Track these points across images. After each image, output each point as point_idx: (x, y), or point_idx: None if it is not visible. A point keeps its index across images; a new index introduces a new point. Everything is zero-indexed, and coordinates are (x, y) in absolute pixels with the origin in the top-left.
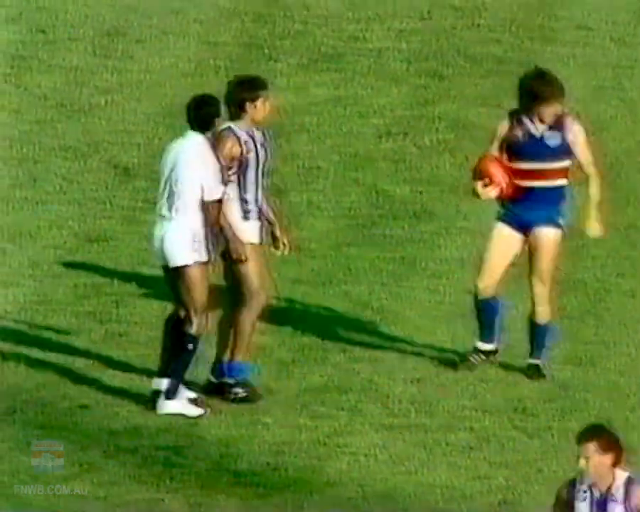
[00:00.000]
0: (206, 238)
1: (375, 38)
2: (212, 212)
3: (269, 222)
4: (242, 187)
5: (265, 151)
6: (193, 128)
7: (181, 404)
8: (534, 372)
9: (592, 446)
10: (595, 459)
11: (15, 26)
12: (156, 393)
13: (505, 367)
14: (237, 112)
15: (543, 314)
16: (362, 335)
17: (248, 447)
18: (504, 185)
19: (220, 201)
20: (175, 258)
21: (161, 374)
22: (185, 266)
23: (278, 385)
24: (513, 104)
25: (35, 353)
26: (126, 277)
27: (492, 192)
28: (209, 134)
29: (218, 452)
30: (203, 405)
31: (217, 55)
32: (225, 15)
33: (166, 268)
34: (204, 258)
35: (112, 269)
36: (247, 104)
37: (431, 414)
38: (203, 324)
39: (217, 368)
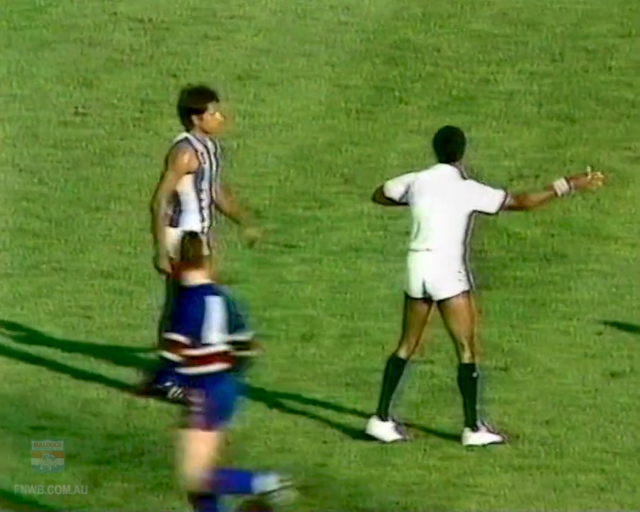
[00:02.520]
0: (466, 268)
1: (507, 81)
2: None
3: (238, 222)
4: (198, 197)
5: (217, 160)
6: (441, 160)
7: (488, 435)
8: None
9: None
10: None
11: (145, 70)
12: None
13: (637, 409)
14: (186, 122)
15: None
16: (492, 376)
17: (377, 487)
18: None
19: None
20: (441, 291)
21: (384, 416)
22: (452, 297)
23: (407, 426)
24: None
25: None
26: (258, 319)
27: None
28: (458, 164)
29: (347, 492)
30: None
31: (348, 97)
32: (357, 58)
33: (426, 300)
34: (468, 287)
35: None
36: (193, 116)
37: (561, 455)
38: (473, 353)
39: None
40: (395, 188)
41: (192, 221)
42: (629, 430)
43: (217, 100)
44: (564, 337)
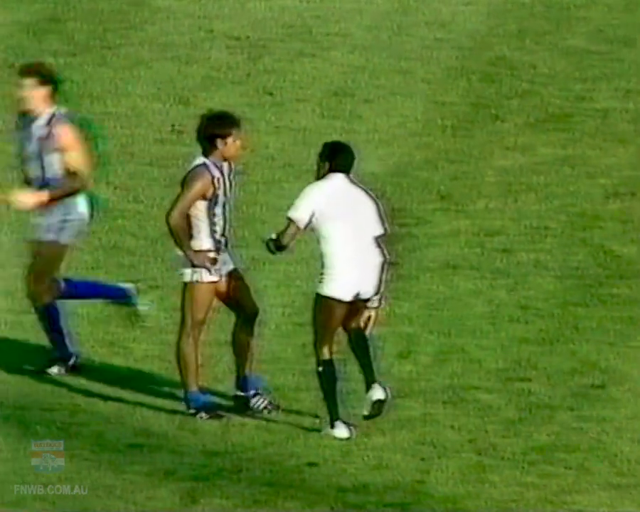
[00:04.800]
0: None
1: (602, 98)
2: None
3: None
4: (211, 222)
5: (231, 184)
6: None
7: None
8: None
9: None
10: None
11: (242, 88)
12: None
13: None
14: (208, 147)
15: None
16: (589, 394)
17: (475, 505)
18: None
19: None
20: (370, 289)
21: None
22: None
23: (505, 443)
24: None
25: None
26: None
27: None
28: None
29: (445, 509)
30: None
31: (444, 114)
32: (452, 74)
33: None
34: None
35: (339, 328)
36: (218, 140)
37: None
38: None
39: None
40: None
41: (204, 246)
42: None
43: (240, 127)
44: None
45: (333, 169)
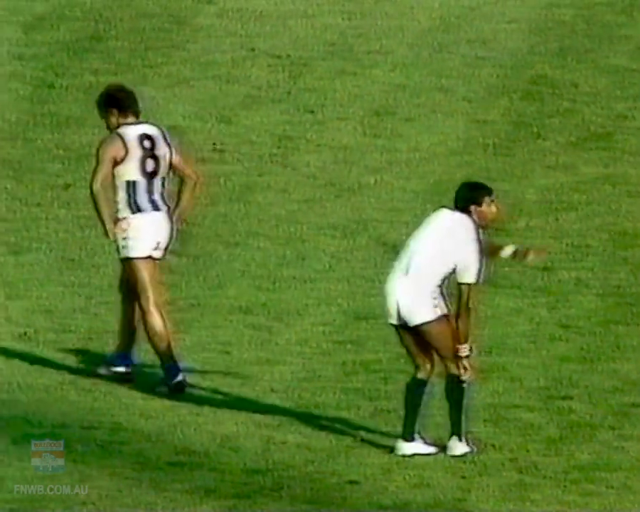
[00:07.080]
0: (442, 292)
1: None
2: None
3: None
4: None
5: None
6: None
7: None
8: None
9: None
10: None
11: (283, 106)
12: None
13: None
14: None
15: None
16: (630, 413)
17: None
18: None
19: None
20: (415, 317)
21: (409, 437)
22: (427, 322)
23: (546, 462)
24: None
25: (304, 430)
26: (395, 354)
27: None
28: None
29: None
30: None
31: (485, 133)
32: (494, 93)
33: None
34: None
35: (380, 347)
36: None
37: None
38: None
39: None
40: None
41: None
42: None
43: None
44: None
45: (459, 209)
